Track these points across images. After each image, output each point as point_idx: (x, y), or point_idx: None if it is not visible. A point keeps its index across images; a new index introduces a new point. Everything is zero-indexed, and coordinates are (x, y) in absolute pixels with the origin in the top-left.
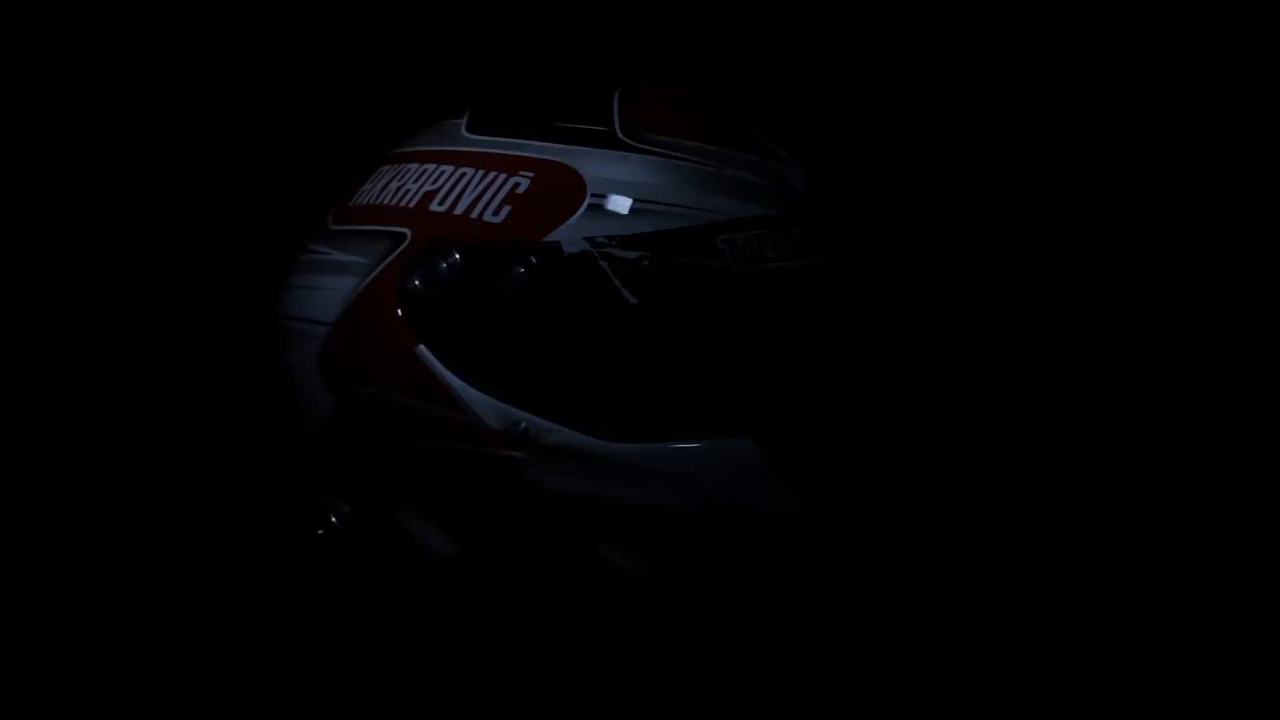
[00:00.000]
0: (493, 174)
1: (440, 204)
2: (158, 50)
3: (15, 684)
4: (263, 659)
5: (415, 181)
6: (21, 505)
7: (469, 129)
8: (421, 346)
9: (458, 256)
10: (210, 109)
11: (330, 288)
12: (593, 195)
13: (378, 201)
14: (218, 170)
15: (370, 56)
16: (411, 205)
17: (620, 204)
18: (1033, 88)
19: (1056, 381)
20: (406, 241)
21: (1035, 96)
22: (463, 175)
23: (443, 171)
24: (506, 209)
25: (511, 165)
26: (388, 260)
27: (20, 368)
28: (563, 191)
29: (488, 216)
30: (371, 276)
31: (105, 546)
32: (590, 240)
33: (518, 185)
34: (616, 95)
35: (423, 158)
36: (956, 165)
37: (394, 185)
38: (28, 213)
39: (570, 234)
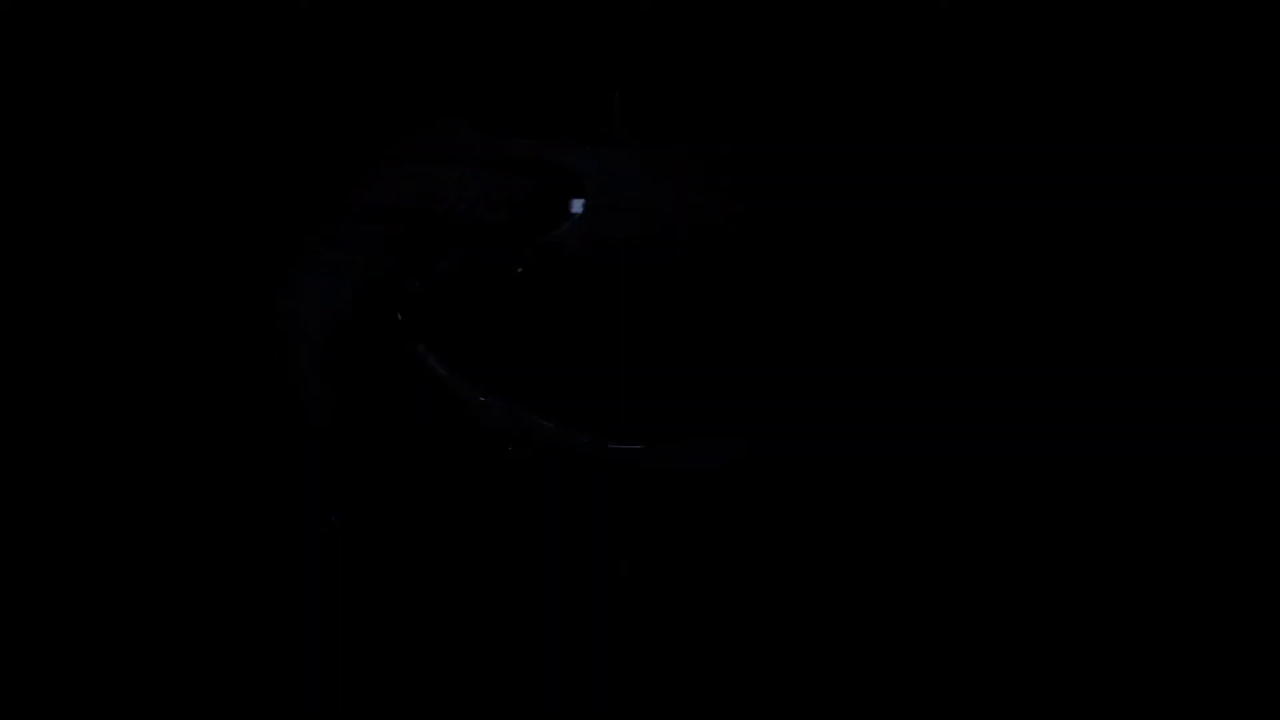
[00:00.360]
0: (493, 174)
1: (442, 204)
2: (157, 50)
3: (15, 683)
4: (263, 657)
5: (417, 181)
6: (20, 505)
7: (470, 129)
8: (422, 346)
9: (457, 256)
10: (210, 108)
11: (331, 288)
12: (591, 196)
13: (378, 201)
14: (216, 169)
15: (369, 56)
16: (413, 205)
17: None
18: (1033, 90)
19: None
20: (407, 241)
21: (1036, 99)
22: (463, 175)
23: (444, 171)
24: (507, 209)
25: (512, 166)
26: (388, 260)
27: (18, 368)
28: (563, 192)
29: (488, 216)
30: (371, 276)
31: (104, 545)
32: (591, 241)
33: (518, 186)
34: (617, 95)
35: (424, 157)
36: (956, 165)
37: (395, 185)
38: (26, 213)
39: (570, 235)
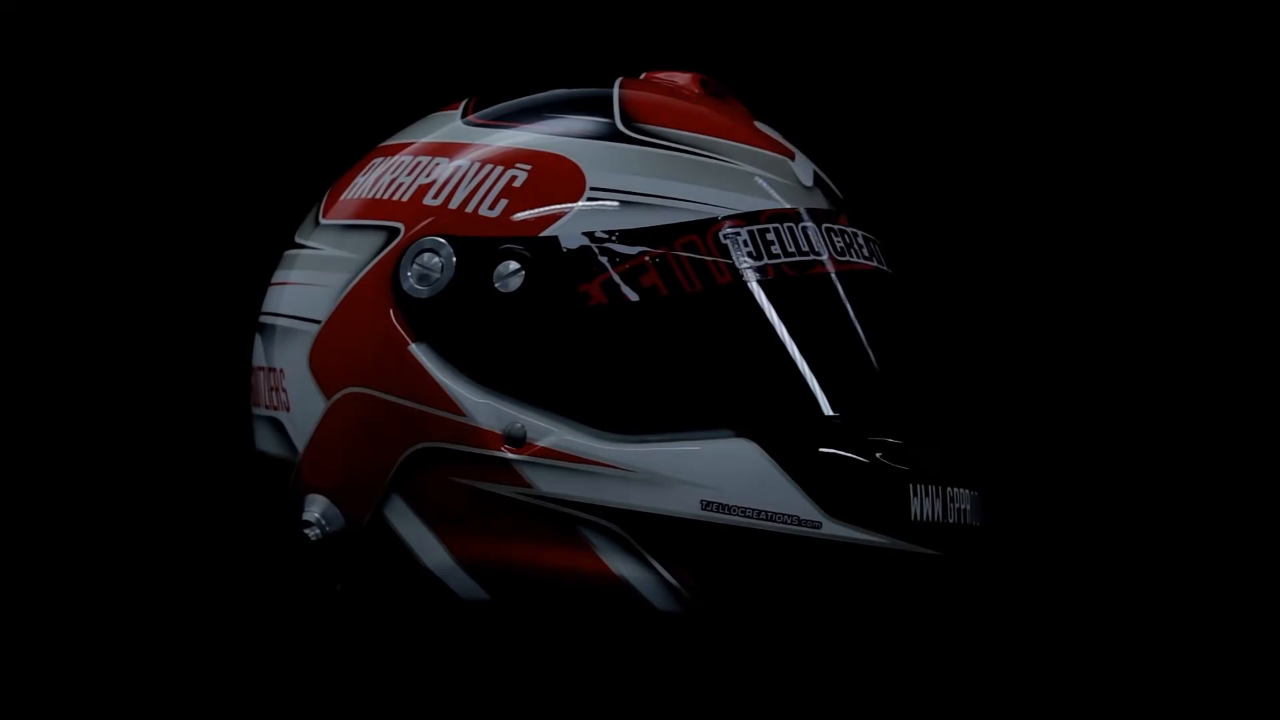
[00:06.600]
0: (488, 166)
1: (435, 197)
2: (157, 50)
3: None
4: (253, 663)
5: (409, 174)
6: (15, 508)
7: (464, 120)
8: (414, 345)
9: (452, 251)
10: (207, 107)
11: (321, 284)
12: (592, 189)
13: (370, 195)
14: (212, 167)
15: (366, 48)
16: (405, 199)
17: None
18: (1033, 89)
19: (1067, 382)
20: (400, 236)
21: (1036, 97)
22: (458, 168)
23: (438, 164)
24: (503, 202)
25: (508, 158)
26: (380, 255)
27: (13, 367)
28: (560, 185)
29: (483, 210)
30: (364, 272)
31: (91, 553)
32: (589, 235)
33: (515, 178)
34: (617, 85)
35: (417, 150)
36: (957, 164)
37: (387, 178)
38: (23, 212)
39: (569, 228)
